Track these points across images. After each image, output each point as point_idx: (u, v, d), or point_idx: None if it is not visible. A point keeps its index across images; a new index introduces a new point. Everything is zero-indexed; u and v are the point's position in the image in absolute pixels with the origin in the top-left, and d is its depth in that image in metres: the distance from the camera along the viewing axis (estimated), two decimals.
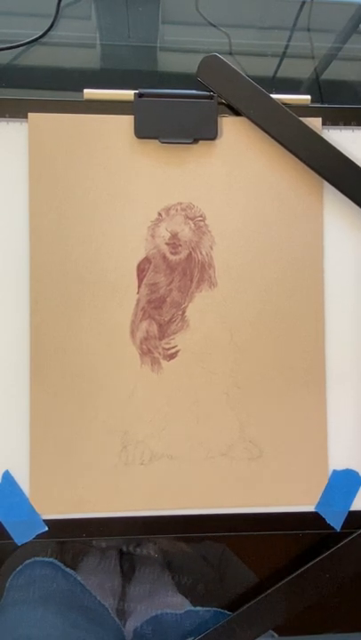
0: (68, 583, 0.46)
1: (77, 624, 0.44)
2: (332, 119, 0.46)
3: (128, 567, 0.48)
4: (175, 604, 0.46)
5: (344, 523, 0.46)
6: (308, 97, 0.46)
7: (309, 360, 0.45)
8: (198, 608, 0.46)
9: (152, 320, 0.44)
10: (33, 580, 0.45)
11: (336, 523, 0.45)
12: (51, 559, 0.46)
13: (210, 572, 0.48)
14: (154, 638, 0.45)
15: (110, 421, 0.44)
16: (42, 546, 0.46)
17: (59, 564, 0.46)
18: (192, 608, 0.46)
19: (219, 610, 0.47)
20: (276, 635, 0.47)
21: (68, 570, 0.46)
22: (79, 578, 0.46)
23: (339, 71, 0.53)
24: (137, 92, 0.44)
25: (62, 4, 0.51)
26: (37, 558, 0.46)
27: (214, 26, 0.53)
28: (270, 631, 0.46)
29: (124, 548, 0.49)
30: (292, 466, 0.45)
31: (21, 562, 0.46)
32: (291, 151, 0.44)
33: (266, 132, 0.44)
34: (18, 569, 0.46)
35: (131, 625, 0.46)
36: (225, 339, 0.45)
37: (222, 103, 0.45)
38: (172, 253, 0.45)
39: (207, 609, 0.47)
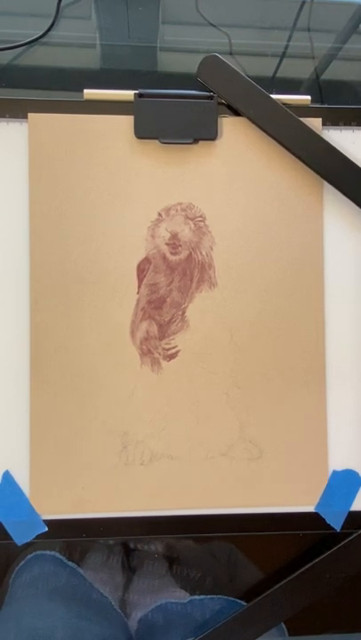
0: (71, 576, 0.46)
1: (81, 615, 0.44)
2: (333, 119, 0.46)
3: (131, 563, 0.49)
4: (179, 597, 0.47)
5: (344, 523, 0.46)
6: (309, 97, 0.46)
7: (309, 360, 0.45)
8: (202, 596, 0.47)
9: (152, 320, 0.44)
10: (36, 574, 0.46)
11: (336, 523, 0.45)
12: (53, 552, 0.46)
13: (218, 568, 0.48)
14: (159, 627, 0.45)
15: (110, 421, 0.44)
16: (46, 542, 0.46)
17: (61, 557, 0.46)
18: (195, 597, 0.47)
19: (222, 597, 0.47)
20: (286, 634, 0.47)
21: (70, 563, 0.46)
22: (81, 570, 0.46)
23: (339, 71, 0.53)
24: (137, 92, 0.44)
25: (62, 4, 0.51)
26: (40, 552, 0.46)
27: (214, 26, 0.53)
28: (283, 627, 0.46)
29: (132, 545, 0.49)
30: (292, 466, 0.45)
31: (24, 556, 0.46)
32: (291, 151, 0.44)
33: (266, 132, 0.44)
34: (21, 563, 0.46)
35: (135, 616, 0.46)
36: (225, 339, 0.45)
37: (222, 103, 0.45)
38: (172, 254, 0.45)
39: (210, 597, 0.47)
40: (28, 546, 0.46)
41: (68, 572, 0.46)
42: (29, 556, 0.46)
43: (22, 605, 0.45)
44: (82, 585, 0.46)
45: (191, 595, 0.47)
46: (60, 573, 0.46)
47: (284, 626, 0.47)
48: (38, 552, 0.46)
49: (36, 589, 0.45)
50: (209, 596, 0.47)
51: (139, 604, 0.47)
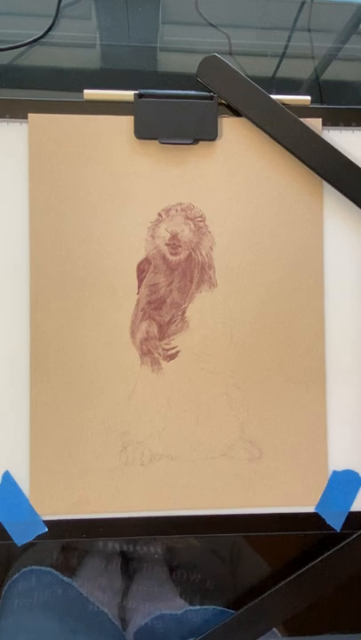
0: (66, 591, 0.46)
1: (77, 630, 0.44)
2: (333, 120, 0.46)
3: (130, 569, 0.48)
4: (175, 606, 0.46)
5: (344, 523, 0.46)
6: (308, 97, 0.46)
7: (309, 360, 0.45)
8: (197, 607, 0.47)
9: (152, 321, 0.44)
10: (30, 588, 0.45)
11: (336, 523, 0.45)
12: (48, 569, 0.46)
13: (217, 569, 0.48)
14: (155, 638, 0.45)
15: (110, 422, 0.44)
16: (39, 557, 0.46)
17: (56, 573, 0.46)
18: (190, 607, 0.46)
19: (217, 607, 0.47)
20: (279, 635, 0.47)
21: (65, 578, 0.46)
22: (77, 584, 0.46)
23: (339, 71, 0.53)
24: (137, 92, 0.44)
25: (62, 4, 0.51)
26: (34, 567, 0.46)
27: (214, 26, 0.53)
28: (274, 631, 0.46)
29: (130, 549, 0.48)
30: (292, 466, 0.45)
31: (17, 570, 0.46)
32: (291, 152, 0.44)
33: (266, 132, 0.44)
34: (14, 577, 0.46)
35: (132, 625, 0.46)
36: (225, 339, 0.45)
37: (222, 103, 0.45)
38: (171, 254, 0.45)
39: (205, 607, 0.47)
40: (26, 549, 0.46)
41: (63, 587, 0.46)
42: (24, 570, 0.46)
43: (16, 620, 0.44)
44: (77, 600, 0.45)
45: (190, 602, 0.47)
46: (55, 588, 0.46)
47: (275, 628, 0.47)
48: (33, 567, 0.46)
49: (29, 604, 0.45)
50: (204, 607, 0.47)
51: (136, 610, 0.46)
